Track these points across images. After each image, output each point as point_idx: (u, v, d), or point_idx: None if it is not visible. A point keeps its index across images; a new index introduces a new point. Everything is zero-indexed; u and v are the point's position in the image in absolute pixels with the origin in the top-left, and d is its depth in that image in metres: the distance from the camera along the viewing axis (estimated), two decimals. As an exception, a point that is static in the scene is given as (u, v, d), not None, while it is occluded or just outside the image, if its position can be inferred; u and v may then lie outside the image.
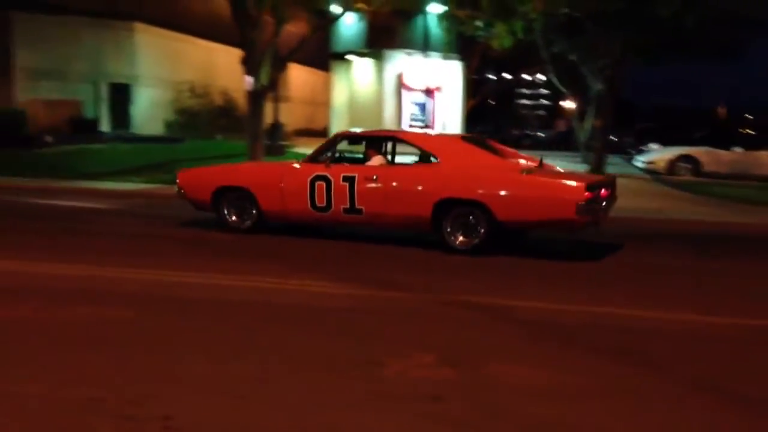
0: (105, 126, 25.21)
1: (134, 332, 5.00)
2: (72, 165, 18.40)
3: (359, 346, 4.79)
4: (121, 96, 25.66)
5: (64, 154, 20.08)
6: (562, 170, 9.50)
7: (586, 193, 7.90)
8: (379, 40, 24.11)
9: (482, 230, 8.24)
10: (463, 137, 10.04)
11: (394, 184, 8.59)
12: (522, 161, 8.98)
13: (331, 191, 8.83)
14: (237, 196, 9.36)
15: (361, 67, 26.02)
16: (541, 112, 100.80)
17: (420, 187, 8.49)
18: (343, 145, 9.65)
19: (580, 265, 8.22)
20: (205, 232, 9.47)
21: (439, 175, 8.55)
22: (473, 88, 34.03)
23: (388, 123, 25.24)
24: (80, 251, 8.00)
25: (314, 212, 8.99)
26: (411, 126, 26.29)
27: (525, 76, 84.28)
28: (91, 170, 17.94)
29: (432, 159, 8.88)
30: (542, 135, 53.19)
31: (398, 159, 9.64)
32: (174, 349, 4.63)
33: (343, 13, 19.91)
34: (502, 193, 8.14)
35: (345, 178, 8.76)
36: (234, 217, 9.42)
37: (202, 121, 28.78)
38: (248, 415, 3.66)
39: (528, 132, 57.44)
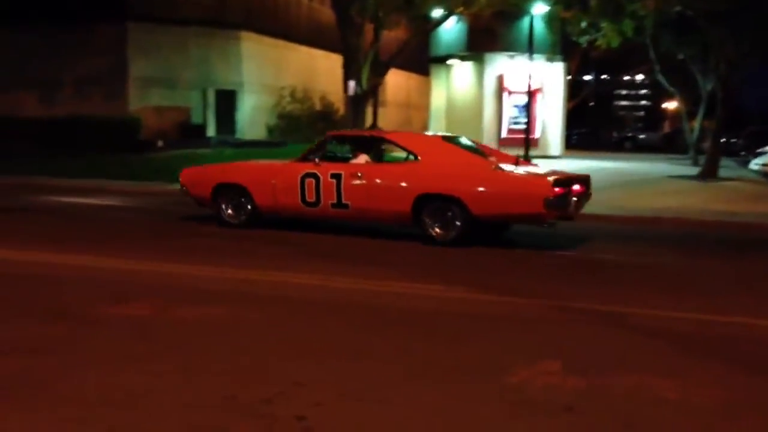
0: (211, 131, 26.09)
1: (259, 332, 5.11)
2: (179, 168, 19.11)
3: (480, 352, 4.72)
4: (226, 102, 26.50)
5: (174, 158, 20.92)
6: (538, 168, 9.96)
7: (555, 189, 8.43)
8: (480, 43, 23.94)
9: (458, 223, 8.82)
10: (443, 137, 10.35)
11: (378, 180, 9.19)
12: (496, 158, 9.52)
13: (319, 187, 9.44)
14: (234, 192, 10.01)
15: (461, 71, 25.87)
16: (640, 113, 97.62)
17: (401, 184, 9.09)
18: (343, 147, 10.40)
19: (689, 272, 7.87)
20: (304, 234, 9.67)
21: (418, 173, 9.12)
22: (573, 89, 33.30)
23: (488, 126, 25.00)
24: (197, 252, 8.27)
25: (304, 207, 9.65)
26: (511, 129, 25.97)
27: (625, 77, 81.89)
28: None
29: (412, 157, 9.48)
30: (643, 137, 51.33)
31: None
32: (298, 349, 4.70)
33: (446, 18, 19.88)
34: (476, 188, 8.72)
35: (332, 175, 9.35)
36: (230, 211, 10.09)
37: (302, 125, 29.37)
38: (386, 420, 3.65)
39: (629, 134, 55.62)
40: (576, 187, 9.03)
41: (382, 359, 4.53)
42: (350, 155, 9.89)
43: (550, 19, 23.26)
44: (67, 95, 24.90)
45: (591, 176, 9.87)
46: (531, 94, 22.06)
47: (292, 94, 29.52)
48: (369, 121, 21.62)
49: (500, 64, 24.92)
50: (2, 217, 11.09)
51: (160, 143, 22.51)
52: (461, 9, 19.48)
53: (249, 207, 9.97)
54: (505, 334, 5.23)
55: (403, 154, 10.03)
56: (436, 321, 5.50)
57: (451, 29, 23.62)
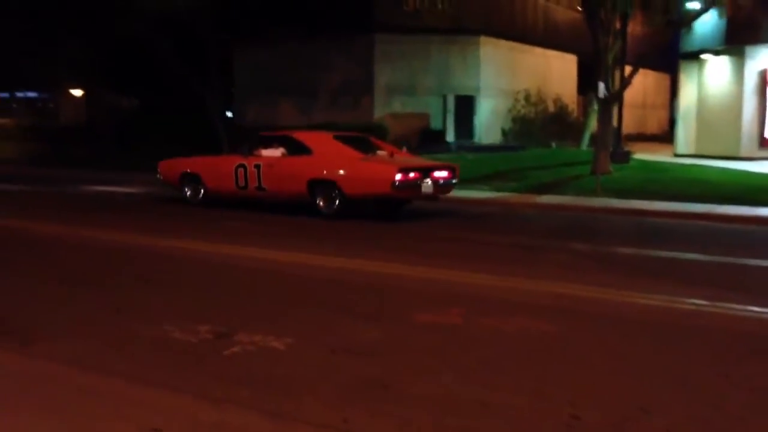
0: (450, 136, 26.60)
1: (586, 348, 5.03)
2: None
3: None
4: (464, 107, 26.87)
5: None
6: (409, 159, 12.49)
7: (399, 175, 11.07)
8: (740, 36, 21.93)
9: (338, 201, 11.63)
10: (334, 135, 12.93)
11: (287, 169, 12.14)
12: (382, 152, 12.34)
13: (247, 175, 12.50)
14: (192, 179, 13.44)
15: (716, 66, 23.92)
16: None
17: (299, 171, 11.96)
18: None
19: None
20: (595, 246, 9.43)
21: (310, 163, 11.96)
22: None
23: (747, 126, 22.85)
24: (472, 258, 8.40)
25: (238, 190, 12.75)
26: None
27: None
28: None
29: (308, 152, 12.19)
30: None
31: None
32: (593, 364, 4.56)
33: (705, 11, 18.51)
34: (346, 174, 11.49)
35: (255, 166, 12.45)
36: (189, 193, 13.52)
37: (536, 128, 29.00)
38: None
39: None
40: (438, 173, 11.88)
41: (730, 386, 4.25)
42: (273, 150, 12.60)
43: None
44: (321, 104, 26.75)
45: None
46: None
47: (527, 97, 29.25)
48: (615, 122, 20.67)
49: (764, 57, 22.66)
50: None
51: (403, 149, 23.31)
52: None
53: (202, 190, 13.36)
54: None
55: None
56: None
57: (705, 22, 21.91)
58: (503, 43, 28.21)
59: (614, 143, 20.16)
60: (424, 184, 11.54)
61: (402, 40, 25.88)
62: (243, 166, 12.57)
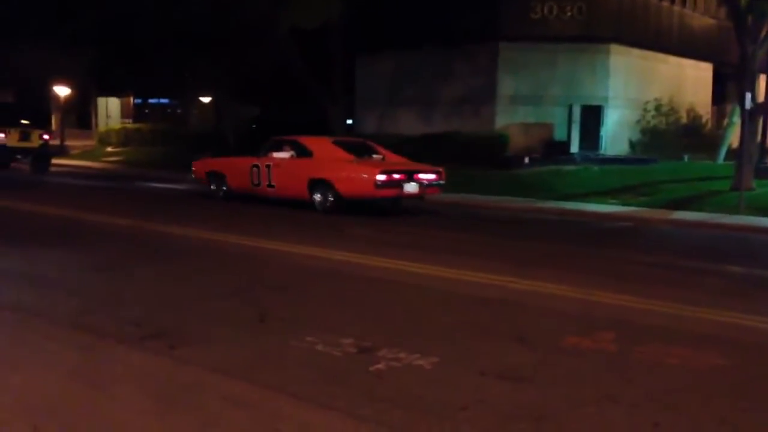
0: (574, 147, 25.76)
1: (737, 382, 4.54)
2: (548, 186, 19.08)
3: None
4: (591, 117, 25.95)
5: (540, 175, 21.01)
6: (402, 162, 14.05)
7: (381, 176, 12.53)
8: None
9: (332, 199, 13.16)
10: (334, 141, 14.77)
11: (290, 170, 13.84)
12: (377, 156, 14.11)
13: (260, 174, 14.32)
14: (217, 176, 15.50)
15: None
16: None
17: (302, 172, 13.60)
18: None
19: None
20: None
21: (311, 164, 13.59)
22: None
23: None
24: (612, 278, 7.90)
25: (252, 187, 14.59)
26: None
27: None
28: (566, 191, 18.34)
29: (309, 154, 13.86)
30: None
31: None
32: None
33: None
34: (338, 175, 13.02)
35: (267, 166, 14.21)
36: (214, 188, 15.60)
37: (667, 140, 27.59)
38: None
39: None
40: (423, 175, 13.34)
41: None
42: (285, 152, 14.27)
43: None
44: (442, 113, 26.58)
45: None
46: None
47: (657, 107, 27.92)
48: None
49: None
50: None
51: (526, 160, 22.80)
52: None
53: (224, 187, 15.34)
54: None
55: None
56: None
57: None
58: (635, 51, 27.05)
59: (758, 157, 18.82)
60: (408, 185, 13.02)
61: (527, 48, 25.31)
62: (257, 166, 14.41)
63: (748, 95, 15.53)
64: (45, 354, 4.85)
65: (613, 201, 16.99)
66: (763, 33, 17.29)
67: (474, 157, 22.36)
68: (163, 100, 46.85)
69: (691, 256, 9.96)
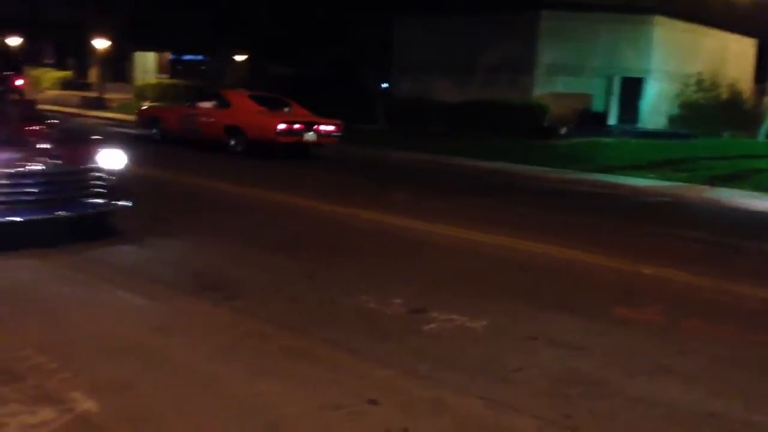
0: (612, 119, 25.43)
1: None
2: (585, 157, 18.88)
3: None
4: (630, 90, 25.55)
5: (577, 146, 20.79)
6: (307, 115, 16.24)
7: (282, 125, 14.96)
8: None
9: (244, 142, 15.32)
10: (250, 95, 17.11)
11: (212, 117, 16.13)
12: (287, 110, 16.50)
13: (189, 120, 16.44)
14: (154, 121, 17.74)
15: None
16: None
17: (220, 119, 15.90)
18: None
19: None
20: None
21: (227, 113, 15.94)
22: None
23: None
24: (653, 251, 7.89)
25: (182, 131, 16.66)
26: None
27: None
28: (604, 163, 18.13)
29: (227, 105, 16.24)
30: None
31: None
32: None
33: None
34: (247, 123, 15.33)
35: (193, 114, 16.47)
36: (154, 131, 17.50)
37: (706, 115, 27.10)
38: None
39: None
40: (323, 127, 15.74)
41: None
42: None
43: None
44: (478, 81, 26.32)
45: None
46: None
47: (698, 82, 27.39)
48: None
49: None
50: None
51: (563, 130, 22.59)
52: None
53: (159, 130, 17.36)
54: None
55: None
56: None
57: None
58: (680, 24, 26.46)
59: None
60: (307, 134, 15.33)
61: (569, 17, 24.87)
62: (186, 113, 16.66)
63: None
64: (118, 302, 5.04)
65: (652, 175, 16.79)
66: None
67: (511, 126, 22.18)
68: (197, 57, 46.87)
69: (733, 233, 9.86)
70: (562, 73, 25.26)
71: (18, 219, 5.93)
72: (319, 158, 16.20)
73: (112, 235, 6.85)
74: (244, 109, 15.92)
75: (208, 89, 18.26)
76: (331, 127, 15.96)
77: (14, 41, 37.08)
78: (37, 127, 7.16)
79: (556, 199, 12.83)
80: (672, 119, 26.99)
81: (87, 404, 3.35)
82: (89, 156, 6.57)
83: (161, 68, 47.25)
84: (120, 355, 3.99)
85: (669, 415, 3.63)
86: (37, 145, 6.42)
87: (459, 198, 11.70)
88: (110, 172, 6.62)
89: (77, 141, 7.22)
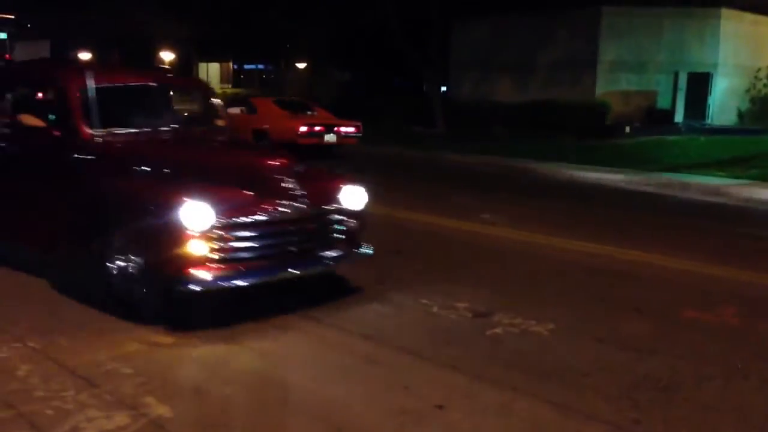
0: (678, 116, 24.77)
1: None
2: (651, 156, 18.44)
3: None
4: (697, 86, 24.83)
5: (642, 145, 20.31)
6: (329, 118, 17.40)
7: (303, 128, 15.86)
8: None
9: (269, 142, 15.16)
10: (274, 100, 18.23)
11: (241, 122, 15.85)
12: (310, 113, 17.55)
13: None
14: None
15: None
16: None
17: (248, 123, 16.17)
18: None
19: None
20: None
21: (255, 118, 16.69)
22: None
23: None
24: (722, 252, 7.65)
25: None
26: None
27: None
28: (671, 162, 17.69)
29: (254, 111, 17.17)
30: None
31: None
32: None
33: None
34: (272, 126, 16.09)
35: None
36: None
37: (777, 110, 26.14)
38: None
39: None
40: (343, 129, 16.50)
41: None
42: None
43: None
44: (539, 80, 26.01)
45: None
46: None
47: (770, 76, 26.44)
48: None
49: None
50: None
51: (627, 129, 22.11)
52: None
53: None
54: None
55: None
56: None
57: None
58: (748, 16, 25.59)
59: None
60: (327, 136, 16.11)
61: (632, 12, 24.34)
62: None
63: None
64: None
65: (722, 174, 16.29)
66: None
67: (573, 126, 21.82)
68: (259, 66, 47.78)
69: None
70: (626, 69, 24.75)
71: (243, 283, 4.63)
72: (371, 160, 16.13)
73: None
74: (269, 113, 16.95)
75: (239, 97, 20.20)
76: (350, 129, 16.72)
77: (84, 55, 38.44)
78: (268, 159, 5.22)
79: (621, 200, 12.57)
80: (742, 115, 26.12)
81: (160, 410, 3.46)
82: (334, 195, 5.25)
83: (224, 78, 48.31)
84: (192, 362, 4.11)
85: (743, 422, 3.53)
86: (279, 184, 4.89)
87: (523, 201, 11.59)
88: (352, 214, 5.32)
89: (317, 176, 5.47)
